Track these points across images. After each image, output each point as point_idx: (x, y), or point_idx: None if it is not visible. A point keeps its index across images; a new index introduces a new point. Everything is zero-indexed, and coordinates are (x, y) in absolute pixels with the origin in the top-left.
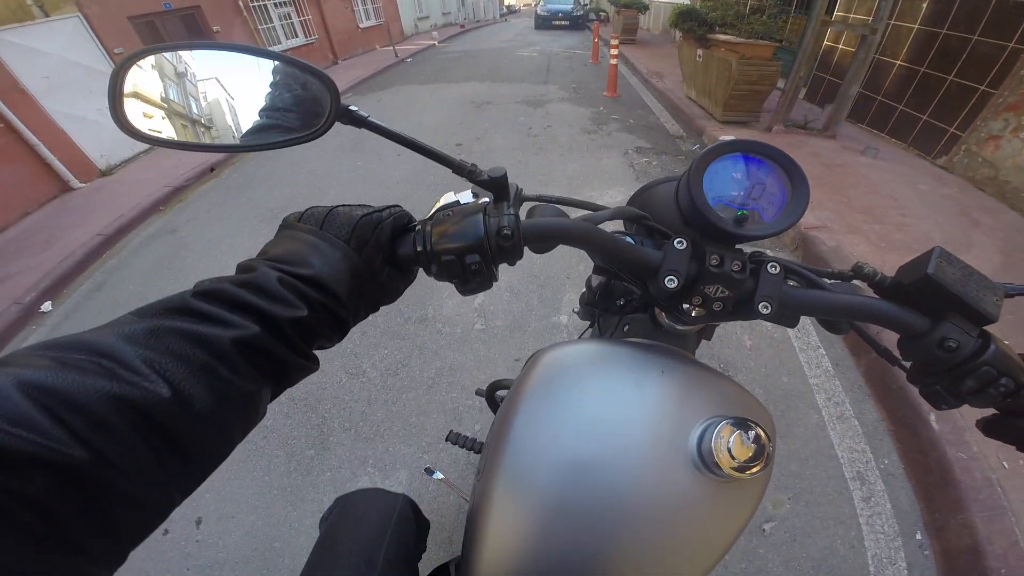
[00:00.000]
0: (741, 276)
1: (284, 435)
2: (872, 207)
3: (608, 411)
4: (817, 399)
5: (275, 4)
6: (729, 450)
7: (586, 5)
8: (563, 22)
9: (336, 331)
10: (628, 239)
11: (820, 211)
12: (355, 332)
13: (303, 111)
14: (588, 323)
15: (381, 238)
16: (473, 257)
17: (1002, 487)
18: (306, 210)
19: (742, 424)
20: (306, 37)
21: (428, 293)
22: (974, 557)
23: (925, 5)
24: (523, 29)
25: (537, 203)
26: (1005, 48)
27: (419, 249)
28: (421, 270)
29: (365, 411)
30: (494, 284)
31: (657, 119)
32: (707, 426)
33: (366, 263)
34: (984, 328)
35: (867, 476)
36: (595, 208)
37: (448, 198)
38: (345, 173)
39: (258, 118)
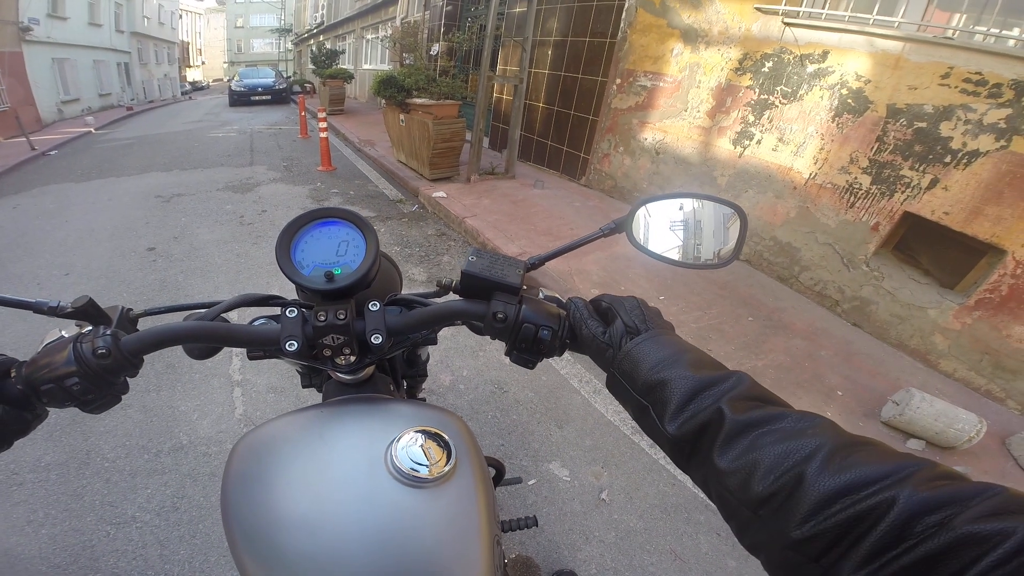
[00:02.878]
0: (345, 321)
1: None
2: (551, 228)
3: (314, 474)
4: (573, 384)
5: None
6: (410, 456)
7: (289, 78)
8: (264, 96)
9: None
10: (256, 322)
11: (518, 241)
12: (97, 480)
13: None
14: None
15: None
16: (72, 380)
17: None
18: None
19: (421, 432)
20: None
21: (172, 420)
22: None
23: (549, 52)
24: (215, 107)
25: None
26: (596, 82)
27: (19, 387)
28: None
29: (163, 554)
30: (123, 397)
31: (376, 187)
32: (390, 445)
33: None
34: (522, 295)
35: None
36: (212, 305)
37: (52, 335)
38: None
39: None
